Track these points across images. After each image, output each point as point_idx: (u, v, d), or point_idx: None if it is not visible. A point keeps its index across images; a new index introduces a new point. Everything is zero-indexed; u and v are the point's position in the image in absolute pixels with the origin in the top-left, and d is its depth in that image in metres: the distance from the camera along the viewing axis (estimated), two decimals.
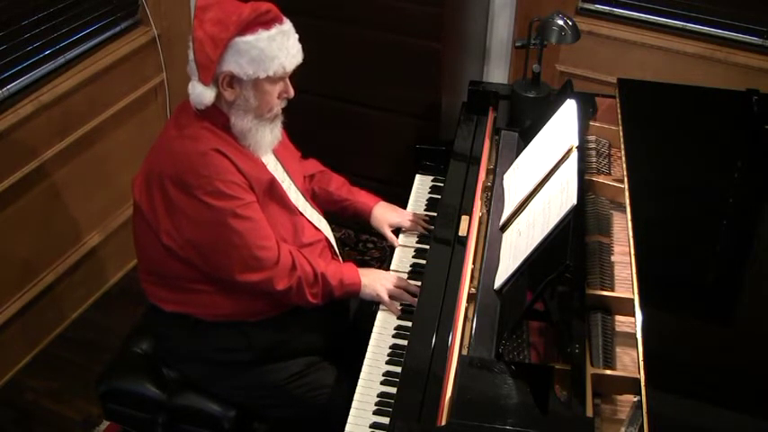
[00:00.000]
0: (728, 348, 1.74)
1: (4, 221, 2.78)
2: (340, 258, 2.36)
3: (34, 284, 2.95)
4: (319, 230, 2.29)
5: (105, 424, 2.78)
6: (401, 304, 2.18)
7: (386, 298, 2.17)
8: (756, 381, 1.65)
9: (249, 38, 1.97)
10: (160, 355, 2.29)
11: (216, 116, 2.06)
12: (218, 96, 2.03)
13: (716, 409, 1.60)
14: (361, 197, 2.46)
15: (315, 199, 2.42)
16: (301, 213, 2.24)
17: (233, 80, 2.01)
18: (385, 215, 2.43)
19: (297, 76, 2.10)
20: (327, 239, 2.31)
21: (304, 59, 2.08)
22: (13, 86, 2.73)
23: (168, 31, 3.28)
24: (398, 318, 2.16)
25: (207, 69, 1.98)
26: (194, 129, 2.04)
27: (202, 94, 2.00)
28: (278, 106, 2.11)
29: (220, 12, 1.98)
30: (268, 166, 2.16)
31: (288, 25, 2.04)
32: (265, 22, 1.99)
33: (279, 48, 2.00)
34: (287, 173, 2.25)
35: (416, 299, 2.10)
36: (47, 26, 2.82)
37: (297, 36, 2.06)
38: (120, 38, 3.12)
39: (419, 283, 2.14)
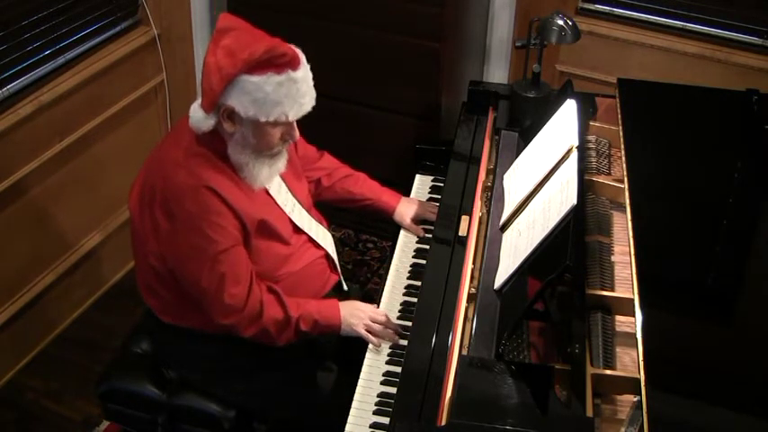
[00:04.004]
0: (728, 348, 1.74)
1: (5, 221, 2.78)
2: (339, 272, 2.33)
3: (35, 284, 2.95)
4: (320, 248, 2.26)
5: (105, 424, 2.78)
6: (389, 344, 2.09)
7: (362, 331, 2.09)
8: (756, 381, 1.65)
9: (256, 78, 1.89)
10: (160, 356, 2.29)
11: (215, 143, 2.01)
12: (219, 123, 1.97)
13: (716, 409, 1.60)
14: (384, 196, 2.45)
15: (335, 197, 2.42)
16: (304, 232, 2.20)
17: (233, 114, 1.95)
18: (407, 210, 2.43)
19: None
20: (328, 255, 2.28)
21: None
22: (13, 86, 2.73)
23: (168, 31, 3.28)
24: (398, 318, 2.16)
25: (209, 98, 1.92)
26: (191, 157, 1.99)
27: (202, 120, 1.96)
28: (279, 146, 2.04)
29: (236, 41, 1.90)
30: (271, 189, 2.12)
31: (301, 73, 1.94)
32: (277, 65, 1.90)
33: (285, 95, 1.92)
34: (291, 192, 2.21)
35: (397, 336, 2.08)
36: (47, 26, 2.82)
37: (310, 84, 1.97)
38: (120, 38, 3.12)
39: (405, 323, 2.09)
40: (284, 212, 2.16)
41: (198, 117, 1.96)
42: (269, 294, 2.08)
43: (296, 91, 1.93)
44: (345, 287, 2.37)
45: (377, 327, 2.09)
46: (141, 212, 2.06)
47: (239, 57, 1.88)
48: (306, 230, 2.21)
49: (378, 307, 2.18)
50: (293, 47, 1.95)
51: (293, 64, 1.92)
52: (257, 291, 2.06)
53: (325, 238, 2.29)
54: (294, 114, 1.96)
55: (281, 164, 2.10)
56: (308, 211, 2.27)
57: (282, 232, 2.14)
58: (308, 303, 2.13)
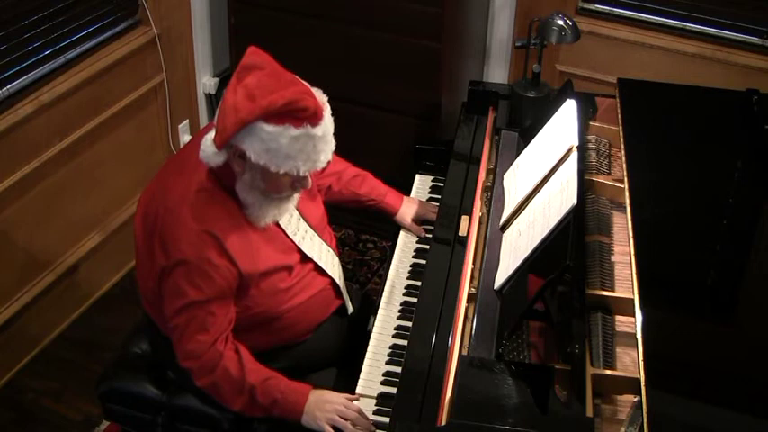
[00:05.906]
0: (729, 348, 1.74)
1: (5, 221, 2.78)
2: (345, 295, 2.28)
3: (34, 284, 2.95)
4: (326, 276, 2.20)
5: (105, 424, 2.78)
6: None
7: (325, 426, 1.93)
8: (756, 381, 1.65)
9: (272, 129, 1.81)
10: (159, 358, 2.29)
11: (225, 177, 1.95)
12: (230, 160, 1.90)
13: (716, 409, 1.60)
14: (388, 197, 2.45)
15: (341, 199, 2.41)
16: (312, 260, 2.15)
17: (244, 157, 1.87)
18: (408, 210, 2.43)
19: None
20: (333, 282, 2.23)
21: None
22: (13, 86, 2.73)
23: (168, 31, 3.28)
24: (398, 318, 2.16)
25: (221, 137, 1.84)
26: (199, 192, 1.94)
27: (212, 156, 1.88)
28: (289, 191, 1.97)
29: (258, 84, 1.82)
30: (281, 220, 2.06)
31: (320, 130, 1.85)
32: (297, 119, 1.82)
33: (300, 150, 1.84)
34: (303, 218, 2.16)
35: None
36: (47, 26, 2.82)
37: (329, 139, 1.89)
38: (120, 38, 3.12)
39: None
40: (293, 243, 2.10)
41: (208, 152, 1.88)
42: (232, 353, 2.01)
43: (311, 147, 1.85)
44: (351, 309, 2.31)
45: (342, 422, 1.92)
46: (144, 234, 2.04)
47: (258, 103, 1.80)
48: (315, 259, 2.16)
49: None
50: (318, 97, 1.88)
51: (314, 119, 1.84)
52: (221, 345, 2.00)
53: (333, 265, 2.23)
54: (306, 170, 1.88)
55: (291, 205, 2.04)
56: (320, 233, 2.21)
57: (288, 266, 2.09)
58: (277, 379, 2.01)
